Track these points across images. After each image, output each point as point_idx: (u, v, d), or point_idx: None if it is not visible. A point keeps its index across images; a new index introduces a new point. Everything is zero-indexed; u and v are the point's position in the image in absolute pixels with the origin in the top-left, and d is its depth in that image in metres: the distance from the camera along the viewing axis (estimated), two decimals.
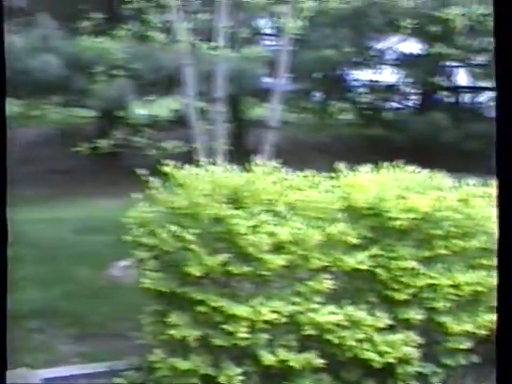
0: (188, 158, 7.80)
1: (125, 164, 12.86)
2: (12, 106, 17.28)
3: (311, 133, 20.27)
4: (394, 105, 20.50)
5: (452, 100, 20.00)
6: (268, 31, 16.11)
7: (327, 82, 19.89)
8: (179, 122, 12.35)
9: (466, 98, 20.47)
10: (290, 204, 5.11)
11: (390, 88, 20.11)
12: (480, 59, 17.38)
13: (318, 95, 21.04)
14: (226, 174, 5.17)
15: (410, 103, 20.59)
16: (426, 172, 6.14)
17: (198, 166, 5.38)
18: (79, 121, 17.83)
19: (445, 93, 19.76)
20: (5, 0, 3.17)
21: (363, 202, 5.24)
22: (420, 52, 19.33)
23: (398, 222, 5.34)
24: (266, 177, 5.24)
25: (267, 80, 16.87)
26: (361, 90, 20.00)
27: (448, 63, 18.36)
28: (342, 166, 5.61)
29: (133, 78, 11.50)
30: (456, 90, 20.07)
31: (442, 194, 5.60)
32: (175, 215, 4.95)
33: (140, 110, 16.59)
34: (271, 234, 4.93)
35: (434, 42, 16.68)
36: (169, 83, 11.56)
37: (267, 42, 16.49)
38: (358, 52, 17.28)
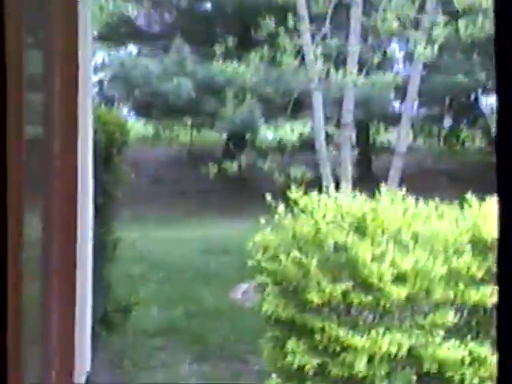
0: (314, 183, 7.82)
1: (252, 187, 13.03)
2: (146, 127, 17.96)
3: (440, 159, 19.93)
4: None
5: None
6: (399, 56, 15.97)
7: (458, 108, 19.54)
8: (307, 145, 12.42)
9: None
10: (416, 234, 5.00)
11: None
12: None
13: (448, 121, 20.69)
14: (351, 201, 5.12)
15: None
16: None
17: (323, 192, 5.37)
18: (209, 143, 18.23)
19: None
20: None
21: (491, 235, 5.04)
22: None
23: None
24: (392, 205, 5.16)
25: (397, 105, 16.76)
26: (493, 116, 19.52)
27: None
28: (470, 195, 5.44)
29: (262, 101, 11.68)
30: None
31: None
32: (298, 241, 4.94)
33: (268, 133, 16.79)
34: (394, 264, 4.83)
35: None
36: (298, 107, 11.66)
37: (398, 67, 16.37)
38: (491, 78, 16.87)
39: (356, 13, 8.55)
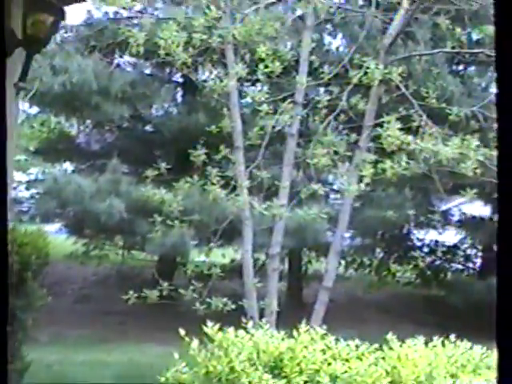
0: (237, 315, 7.70)
1: (177, 312, 12.78)
2: (76, 244, 17.63)
3: (369, 290, 19.97)
4: (456, 266, 20.16)
5: None
6: (332, 187, 16.22)
7: (388, 240, 19.78)
8: (237, 272, 12.31)
9: None
10: (334, 376, 4.89)
11: (452, 249, 19.85)
12: None
13: (378, 252, 20.87)
14: (268, 339, 5.01)
15: (472, 266, 20.21)
16: (480, 349, 5.83)
17: (242, 327, 5.25)
18: (138, 263, 17.97)
19: None
20: None
21: (411, 380, 4.96)
22: (485, 214, 19.12)
23: None
24: (311, 344, 5.06)
25: (328, 235, 16.88)
26: (422, 249, 19.81)
27: None
28: (391, 336, 5.38)
29: (193, 226, 11.62)
30: None
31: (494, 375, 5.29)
32: (211, 379, 4.78)
33: (199, 257, 16.66)
34: None
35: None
36: (231, 234, 11.63)
37: (332, 196, 16.59)
38: (422, 213, 17.21)
39: (290, 145, 8.72)
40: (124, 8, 12.98)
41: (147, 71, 16.21)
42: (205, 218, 10.96)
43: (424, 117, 8.37)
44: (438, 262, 20.02)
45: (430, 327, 17.58)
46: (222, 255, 16.00)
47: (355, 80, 8.59)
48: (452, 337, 5.90)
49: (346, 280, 19.65)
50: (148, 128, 17.53)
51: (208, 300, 8.49)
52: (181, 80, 16.95)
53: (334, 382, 4.88)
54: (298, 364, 4.85)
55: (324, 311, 9.24)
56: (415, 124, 8.52)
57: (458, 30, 9.78)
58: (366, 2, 11.52)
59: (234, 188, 8.85)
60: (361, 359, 5.08)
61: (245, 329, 5.25)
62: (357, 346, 5.23)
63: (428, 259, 19.60)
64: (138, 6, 13.22)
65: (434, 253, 19.59)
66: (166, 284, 9.08)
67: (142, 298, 8.97)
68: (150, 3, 12.87)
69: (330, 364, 4.95)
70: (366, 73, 8.59)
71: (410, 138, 8.11)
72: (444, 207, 19.66)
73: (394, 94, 9.27)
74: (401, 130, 8.29)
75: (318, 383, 4.82)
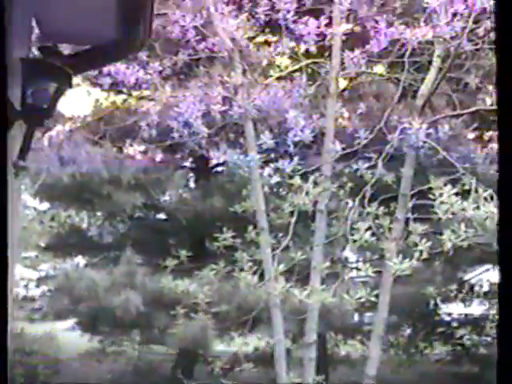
0: None
1: None
2: (91, 341, 16.88)
3: (397, 369, 19.13)
4: (488, 339, 19.34)
5: None
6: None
7: (416, 316, 19.02)
8: (263, 360, 11.60)
9: None
10: None
11: (481, 321, 19.09)
12: None
13: (406, 329, 20.10)
14: None
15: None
16: None
17: None
18: (157, 358, 17.19)
19: None
20: None
21: None
22: None
23: None
24: None
25: (357, 315, 16.16)
26: (451, 324, 19.13)
27: None
28: None
29: (216, 317, 10.96)
30: None
31: None
32: None
33: (220, 347, 15.90)
34: None
35: None
36: (254, 322, 10.98)
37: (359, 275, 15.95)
38: (448, 285, 16.56)
39: (321, 222, 8.10)
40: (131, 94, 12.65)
41: (158, 158, 15.84)
42: (231, 308, 10.25)
43: (474, 179, 7.70)
44: (467, 337, 19.24)
45: None
46: (245, 344, 15.28)
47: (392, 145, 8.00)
48: None
49: (375, 360, 18.70)
50: (161, 216, 17.01)
51: None
52: (193, 165, 16.60)
53: None
54: None
55: None
56: (466, 188, 7.81)
57: (490, 87, 9.29)
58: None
59: (262, 274, 8.19)
60: None
61: None
62: None
63: (457, 334, 18.89)
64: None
65: (464, 326, 18.86)
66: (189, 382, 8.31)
67: None
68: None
69: None
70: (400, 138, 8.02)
71: (465, 203, 7.41)
72: (469, 277, 19.04)
73: (433, 157, 8.68)
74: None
75: None
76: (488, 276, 19.00)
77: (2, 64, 3.09)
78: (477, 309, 19.38)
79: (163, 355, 17.08)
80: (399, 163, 8.97)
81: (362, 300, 8.34)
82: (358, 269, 14.52)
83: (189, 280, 8.97)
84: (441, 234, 7.90)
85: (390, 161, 8.49)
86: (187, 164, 16.77)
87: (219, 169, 16.14)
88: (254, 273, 7.94)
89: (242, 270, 7.86)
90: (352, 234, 7.61)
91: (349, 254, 15.59)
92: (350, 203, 9.17)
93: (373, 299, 9.66)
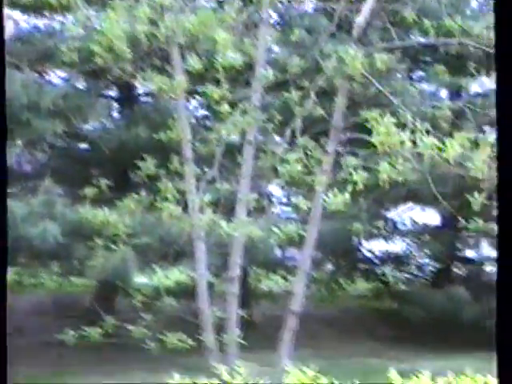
0: (197, 352, 6.78)
1: (123, 356, 11.69)
2: (8, 274, 16.47)
3: (319, 305, 19.34)
4: (408, 277, 19.65)
5: (473, 272, 19.03)
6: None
7: (339, 252, 19.16)
8: (186, 295, 11.40)
9: (490, 269, 19.57)
10: None
11: (404, 259, 19.34)
12: None
13: (327, 266, 20.28)
14: None
15: (426, 276, 19.73)
16: None
17: (214, 376, 4.31)
18: (77, 289, 16.95)
19: (465, 265, 18.88)
20: None
21: None
22: (439, 222, 18.70)
23: None
24: None
25: (279, 251, 16.13)
26: (373, 261, 19.37)
27: (470, 234, 17.53)
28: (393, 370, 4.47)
29: (137, 249, 10.69)
30: (477, 261, 19.24)
31: None
32: None
33: (142, 280, 15.70)
34: None
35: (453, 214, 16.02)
36: (177, 254, 10.74)
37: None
38: (371, 222, 16.63)
39: (248, 154, 7.80)
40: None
41: (80, 85, 15.24)
42: (153, 240, 9.96)
43: (409, 112, 7.45)
44: (389, 273, 19.51)
45: (387, 341, 17.03)
46: (166, 278, 15.08)
47: (328, 72, 7.67)
48: None
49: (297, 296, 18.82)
50: (84, 145, 16.49)
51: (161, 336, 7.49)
52: (118, 95, 16.08)
53: None
54: None
55: (292, 339, 8.34)
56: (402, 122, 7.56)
57: (426, 21, 9.08)
58: None
59: (186, 205, 7.90)
60: None
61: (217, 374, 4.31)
62: None
63: (379, 271, 19.13)
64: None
65: (385, 264, 19.10)
66: (109, 318, 8.04)
67: (83, 338, 7.89)
68: None
69: None
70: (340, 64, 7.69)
71: (403, 135, 7.16)
72: (393, 215, 19.21)
73: (368, 89, 8.43)
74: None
75: None
76: (411, 214, 19.21)
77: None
78: (398, 246, 19.65)
79: (83, 287, 16.81)
80: (332, 98, 8.74)
81: (289, 235, 8.16)
82: (286, 204, 14.41)
83: (110, 210, 8.62)
84: (376, 168, 7.69)
85: (325, 94, 8.24)
86: (111, 93, 16.27)
87: (144, 99, 15.71)
88: (178, 203, 7.63)
89: (165, 199, 7.53)
90: (281, 168, 7.36)
91: (276, 188, 15.46)
92: (279, 138, 8.94)
93: (298, 235, 9.53)
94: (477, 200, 7.47)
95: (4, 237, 2.32)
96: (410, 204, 18.45)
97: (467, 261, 19.15)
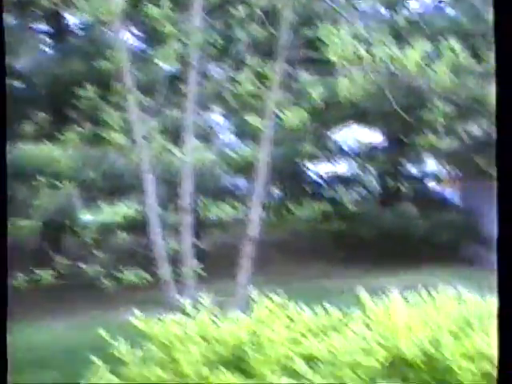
0: (154, 286, 6.54)
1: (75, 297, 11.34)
2: None
3: (268, 230, 19.25)
4: (356, 197, 19.64)
5: (419, 189, 19.12)
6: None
7: (283, 177, 19.02)
8: (135, 229, 11.11)
9: (434, 185, 19.74)
10: (311, 357, 3.76)
11: (352, 180, 19.29)
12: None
13: (274, 191, 20.14)
14: (216, 324, 3.85)
15: (374, 195, 19.77)
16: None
17: (176, 310, 4.07)
18: (21, 232, 16.46)
19: (411, 182, 18.91)
20: None
21: (414, 348, 3.74)
22: (383, 142, 18.65)
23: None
24: (272, 320, 3.94)
25: (227, 179, 15.89)
26: (319, 182, 19.27)
27: (414, 151, 17.51)
28: (361, 289, 4.27)
29: (82, 185, 10.29)
30: (423, 178, 19.34)
31: None
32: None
33: (88, 217, 15.29)
34: None
35: (398, 133, 15.95)
36: (125, 188, 10.38)
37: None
38: (317, 144, 16.45)
39: (192, 82, 7.43)
40: None
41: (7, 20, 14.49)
42: (96, 175, 9.58)
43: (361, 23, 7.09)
44: (336, 195, 19.46)
45: (340, 262, 17.10)
46: (114, 214, 14.72)
47: None
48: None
49: (243, 224, 18.72)
50: (18, 83, 15.82)
51: (117, 273, 7.23)
52: (48, 28, 15.38)
53: (312, 366, 3.77)
54: (263, 351, 3.71)
55: (251, 265, 8.17)
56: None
57: None
58: None
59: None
60: (339, 331, 3.97)
61: (181, 311, 4.07)
62: (327, 313, 4.14)
63: (326, 192, 19.03)
64: None
65: (332, 185, 19.01)
66: (59, 258, 7.72)
67: (34, 282, 7.57)
68: None
69: (302, 344, 3.82)
70: None
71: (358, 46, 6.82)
72: (337, 136, 19.07)
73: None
74: None
75: (293, 372, 3.70)
76: (354, 134, 19.09)
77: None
78: (344, 167, 19.58)
79: (29, 229, 16.34)
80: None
81: (238, 162, 7.90)
82: (232, 131, 14.08)
83: (51, 146, 8.20)
84: (335, 83, 7.37)
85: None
86: (41, 26, 15.56)
87: (77, 31, 15.04)
88: (124, 133, 7.28)
89: (111, 129, 7.15)
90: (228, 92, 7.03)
91: (219, 117, 15.12)
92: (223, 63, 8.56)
93: (247, 161, 9.28)
94: (439, 109, 7.27)
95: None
96: (355, 125, 18.32)
97: (413, 178, 19.22)
